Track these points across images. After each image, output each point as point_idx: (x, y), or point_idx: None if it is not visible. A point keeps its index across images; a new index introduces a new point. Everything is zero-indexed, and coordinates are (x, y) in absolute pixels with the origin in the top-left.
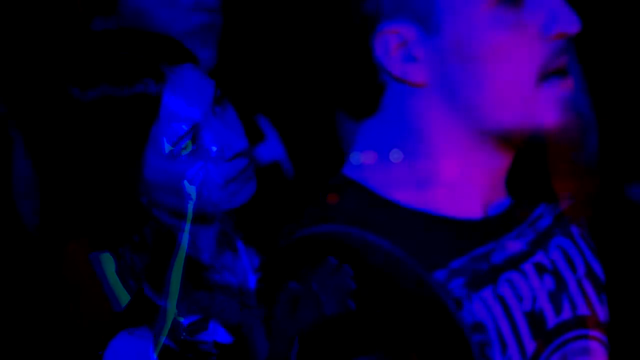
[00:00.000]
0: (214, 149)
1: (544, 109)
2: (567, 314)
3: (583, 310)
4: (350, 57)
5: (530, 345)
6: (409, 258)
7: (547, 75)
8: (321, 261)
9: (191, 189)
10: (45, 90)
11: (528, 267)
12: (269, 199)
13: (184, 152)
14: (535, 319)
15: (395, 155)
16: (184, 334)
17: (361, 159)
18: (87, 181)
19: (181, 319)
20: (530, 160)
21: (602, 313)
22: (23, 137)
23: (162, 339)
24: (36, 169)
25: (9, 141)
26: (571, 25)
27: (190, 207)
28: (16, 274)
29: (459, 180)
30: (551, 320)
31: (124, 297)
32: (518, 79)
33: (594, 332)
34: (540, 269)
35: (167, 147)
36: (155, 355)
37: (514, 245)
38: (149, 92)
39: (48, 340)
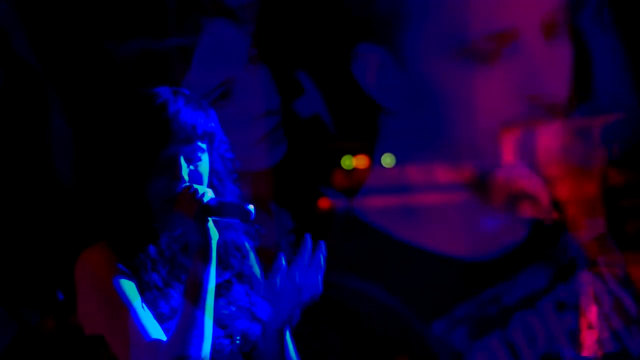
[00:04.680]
0: (245, 105)
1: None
2: (590, 351)
3: (611, 346)
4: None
5: None
6: (408, 310)
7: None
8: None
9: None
10: (80, 45)
11: (546, 304)
12: (307, 159)
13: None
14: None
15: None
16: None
17: (368, 194)
18: (118, 135)
19: None
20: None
21: (634, 347)
22: (59, 96)
23: None
24: (71, 125)
25: (46, 101)
26: (549, 91)
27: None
28: (49, 223)
29: (458, 218)
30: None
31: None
32: (481, 131)
33: None
34: (560, 306)
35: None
36: None
37: (530, 283)
38: (184, 43)
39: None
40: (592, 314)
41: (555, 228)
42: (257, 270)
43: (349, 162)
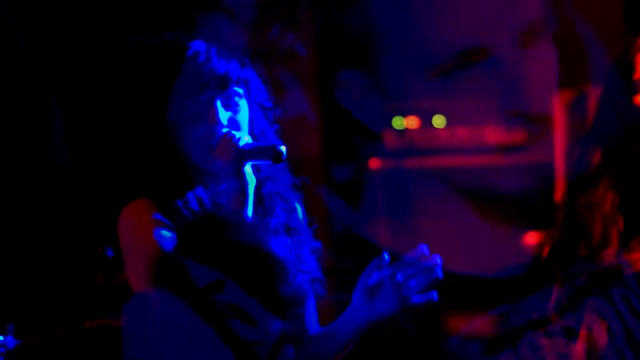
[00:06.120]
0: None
1: (502, 175)
2: None
3: None
4: None
5: None
6: (424, 328)
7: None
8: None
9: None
10: (80, 43)
11: (555, 330)
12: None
13: (211, 99)
14: None
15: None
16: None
17: (369, 211)
18: (119, 124)
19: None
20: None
21: None
22: (61, 98)
23: None
24: (69, 119)
25: (49, 102)
26: (528, 103)
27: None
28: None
29: (467, 236)
30: None
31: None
32: (465, 147)
33: None
34: (569, 333)
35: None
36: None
37: (540, 305)
38: (179, 38)
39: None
40: (602, 342)
41: (569, 252)
42: (303, 223)
43: (400, 122)
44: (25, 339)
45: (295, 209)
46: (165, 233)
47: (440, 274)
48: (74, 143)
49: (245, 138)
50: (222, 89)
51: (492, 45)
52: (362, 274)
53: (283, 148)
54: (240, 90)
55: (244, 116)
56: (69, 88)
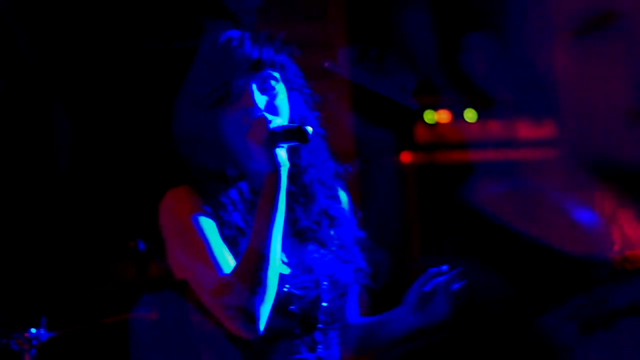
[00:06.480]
0: (246, 107)
1: (635, 146)
2: None
3: None
4: None
5: None
6: (522, 299)
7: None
8: None
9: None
10: (80, 43)
11: None
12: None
13: (217, 105)
14: None
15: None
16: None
17: (482, 184)
18: (123, 129)
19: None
20: None
21: None
22: (63, 96)
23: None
24: (74, 122)
25: (51, 100)
26: None
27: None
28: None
29: (573, 214)
30: None
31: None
32: (598, 116)
33: None
34: None
35: (200, 98)
36: None
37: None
38: (187, 46)
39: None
40: None
41: None
42: (347, 212)
43: (431, 116)
44: (58, 332)
45: (338, 197)
46: (207, 220)
47: None
48: (97, 140)
49: (277, 121)
50: (256, 70)
51: (623, 10)
52: (418, 280)
53: (309, 128)
54: (277, 74)
55: (282, 100)
56: (71, 87)
